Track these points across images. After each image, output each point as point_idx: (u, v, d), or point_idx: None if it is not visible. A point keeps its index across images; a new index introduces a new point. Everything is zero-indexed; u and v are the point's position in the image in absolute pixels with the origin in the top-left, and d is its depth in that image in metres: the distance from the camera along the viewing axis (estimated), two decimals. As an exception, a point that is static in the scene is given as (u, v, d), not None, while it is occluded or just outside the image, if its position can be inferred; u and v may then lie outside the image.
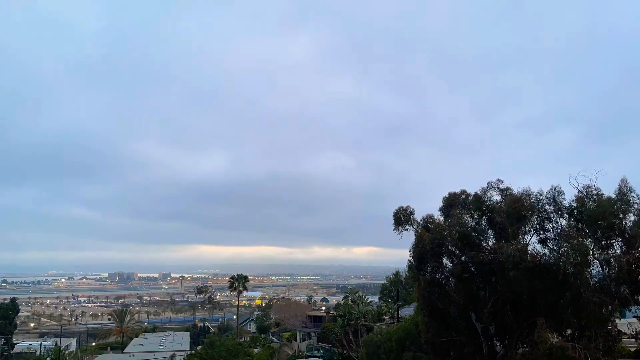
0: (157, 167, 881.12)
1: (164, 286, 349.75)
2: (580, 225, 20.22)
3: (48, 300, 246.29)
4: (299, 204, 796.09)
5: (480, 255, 20.79)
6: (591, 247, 19.83)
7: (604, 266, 19.72)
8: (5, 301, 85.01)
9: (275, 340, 72.08)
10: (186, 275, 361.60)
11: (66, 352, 69.41)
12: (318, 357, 45.79)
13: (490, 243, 22.02)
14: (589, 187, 20.25)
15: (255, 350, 55.42)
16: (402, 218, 24.20)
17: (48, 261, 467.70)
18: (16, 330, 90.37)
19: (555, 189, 21.03)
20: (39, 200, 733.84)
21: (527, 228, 21.57)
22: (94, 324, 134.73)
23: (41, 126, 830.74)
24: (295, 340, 66.64)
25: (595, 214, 19.55)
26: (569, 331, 19.91)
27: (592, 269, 19.74)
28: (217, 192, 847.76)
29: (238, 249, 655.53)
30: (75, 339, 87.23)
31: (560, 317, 19.52)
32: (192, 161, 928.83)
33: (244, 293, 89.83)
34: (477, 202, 22.87)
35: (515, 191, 22.04)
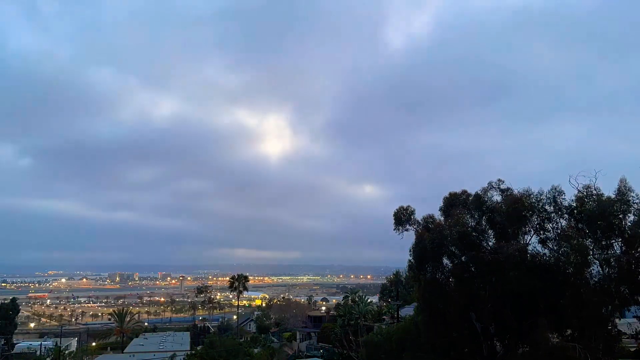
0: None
1: (163, 286, 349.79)
2: (580, 225, 20.24)
3: (48, 301, 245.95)
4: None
5: (481, 255, 20.83)
6: (591, 247, 19.85)
7: (604, 266, 19.73)
8: (5, 301, 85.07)
9: (275, 340, 72.06)
10: (186, 276, 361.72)
11: (66, 352, 69.38)
12: (318, 357, 45.79)
13: (490, 243, 22.05)
14: (588, 187, 20.29)
15: (255, 350, 55.43)
16: (402, 218, 24.23)
17: (48, 261, 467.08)
18: (16, 330, 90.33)
19: (555, 189, 21.07)
20: (39, 199, 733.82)
21: (527, 228, 21.60)
22: (94, 324, 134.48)
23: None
24: (295, 340, 66.65)
25: (595, 214, 19.56)
26: (569, 331, 19.94)
27: (592, 269, 19.76)
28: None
29: (239, 250, 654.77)
30: (75, 339, 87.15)
31: (561, 317, 19.55)
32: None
33: (244, 293, 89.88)
34: (477, 202, 22.90)
35: (515, 191, 22.09)
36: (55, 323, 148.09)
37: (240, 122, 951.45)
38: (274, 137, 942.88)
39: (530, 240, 21.51)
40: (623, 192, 19.76)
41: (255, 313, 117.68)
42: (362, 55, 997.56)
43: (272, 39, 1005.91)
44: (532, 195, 21.36)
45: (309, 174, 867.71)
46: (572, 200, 20.69)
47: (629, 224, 19.59)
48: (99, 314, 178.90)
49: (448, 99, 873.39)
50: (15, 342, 77.90)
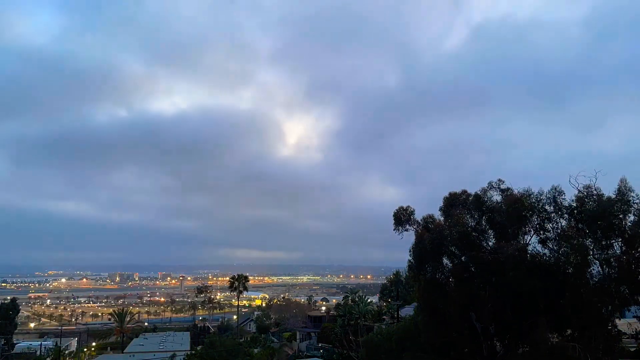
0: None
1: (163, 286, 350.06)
2: (580, 225, 20.25)
3: (48, 300, 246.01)
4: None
5: (481, 255, 20.84)
6: (591, 247, 19.87)
7: (604, 266, 19.74)
8: (5, 301, 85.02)
9: (275, 340, 72.11)
10: (186, 276, 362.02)
11: (66, 352, 69.43)
12: (318, 357, 45.83)
13: (490, 243, 22.07)
14: (589, 187, 20.31)
15: (255, 350, 55.50)
16: (402, 218, 24.24)
17: (48, 261, 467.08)
18: (16, 330, 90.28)
19: (555, 189, 21.09)
20: (39, 198, 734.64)
21: (527, 228, 21.62)
22: (94, 324, 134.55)
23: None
24: (295, 340, 66.68)
25: (595, 214, 19.58)
26: (569, 331, 19.95)
27: (592, 269, 19.78)
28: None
29: (239, 250, 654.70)
30: (75, 339, 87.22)
31: (561, 317, 19.56)
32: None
33: (244, 293, 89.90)
34: (477, 202, 22.91)
35: (515, 191, 22.11)
36: (55, 323, 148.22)
37: (242, 121, 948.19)
38: (274, 137, 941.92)
39: (530, 240, 21.53)
40: (623, 192, 19.77)
41: (255, 313, 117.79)
42: (388, 61, 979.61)
43: (302, 42, 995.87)
44: (532, 195, 21.38)
45: (311, 174, 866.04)
46: (572, 200, 20.71)
47: (629, 224, 19.60)
48: (99, 314, 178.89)
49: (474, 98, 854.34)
50: (15, 342, 77.93)
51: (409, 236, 23.73)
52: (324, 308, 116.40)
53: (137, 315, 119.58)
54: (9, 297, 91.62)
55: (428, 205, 25.72)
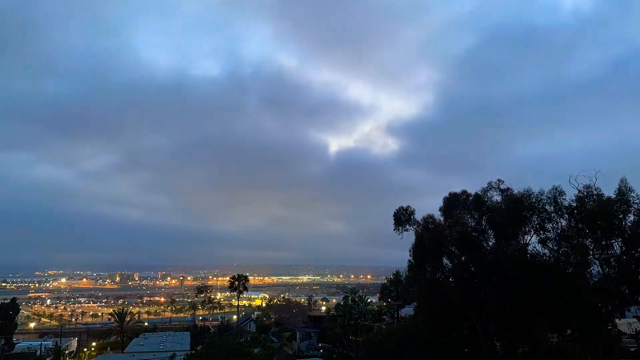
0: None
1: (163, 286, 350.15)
2: (580, 225, 20.26)
3: (48, 300, 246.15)
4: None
5: (481, 255, 20.86)
6: (591, 247, 19.88)
7: (604, 266, 19.75)
8: (5, 301, 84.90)
9: (275, 340, 72.05)
10: (186, 276, 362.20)
11: (66, 352, 69.45)
12: (318, 357, 45.84)
13: (490, 243, 22.09)
14: (589, 187, 20.31)
15: (255, 350, 55.42)
16: (402, 218, 24.26)
17: (48, 261, 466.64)
18: (16, 330, 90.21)
19: (555, 189, 21.12)
20: (39, 197, 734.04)
21: (527, 228, 21.65)
22: (94, 324, 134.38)
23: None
24: (295, 340, 66.69)
25: (595, 214, 19.58)
26: (569, 331, 19.96)
27: (592, 269, 19.79)
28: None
29: (239, 250, 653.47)
30: (75, 339, 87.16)
31: (561, 317, 19.56)
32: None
33: (244, 293, 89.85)
34: (477, 202, 22.93)
35: (515, 191, 22.14)
36: (55, 323, 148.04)
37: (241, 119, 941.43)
38: (272, 136, 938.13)
39: (530, 240, 21.56)
40: (623, 192, 19.78)
41: (255, 313, 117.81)
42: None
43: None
44: (532, 195, 21.41)
45: (313, 174, 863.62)
46: (573, 200, 20.72)
47: (629, 224, 19.61)
48: (99, 314, 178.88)
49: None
50: (15, 342, 77.89)
51: (409, 236, 23.79)
52: (324, 308, 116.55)
53: (137, 315, 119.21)
54: (9, 297, 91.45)
55: (426, 205, 25.80)
